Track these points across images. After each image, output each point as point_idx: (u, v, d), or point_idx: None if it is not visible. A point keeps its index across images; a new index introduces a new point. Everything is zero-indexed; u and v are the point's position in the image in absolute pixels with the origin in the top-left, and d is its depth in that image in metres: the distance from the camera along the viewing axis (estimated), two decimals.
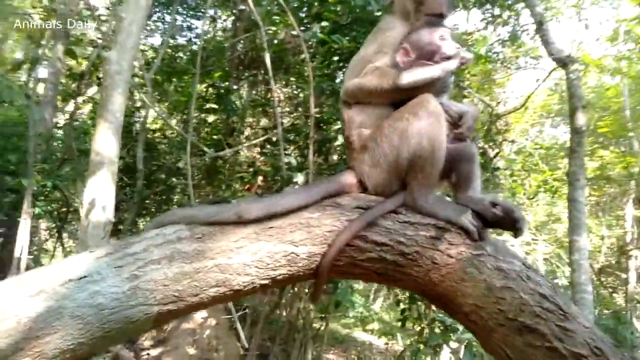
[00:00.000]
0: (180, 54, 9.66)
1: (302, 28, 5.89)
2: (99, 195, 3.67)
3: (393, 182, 1.80)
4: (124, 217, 8.53)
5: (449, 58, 1.84)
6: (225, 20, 10.35)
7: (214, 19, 9.72)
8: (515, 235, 1.73)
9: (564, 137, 14.54)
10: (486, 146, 7.35)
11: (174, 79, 8.76)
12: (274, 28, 6.45)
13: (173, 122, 8.93)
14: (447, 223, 1.69)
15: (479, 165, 1.89)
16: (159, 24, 10.07)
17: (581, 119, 5.54)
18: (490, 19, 8.62)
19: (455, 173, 1.87)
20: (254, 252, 1.61)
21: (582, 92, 5.97)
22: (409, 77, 1.78)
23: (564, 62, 5.69)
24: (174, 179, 8.70)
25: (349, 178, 1.87)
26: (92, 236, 3.63)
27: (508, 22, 8.73)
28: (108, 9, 7.96)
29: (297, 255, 1.65)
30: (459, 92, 7.29)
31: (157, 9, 9.72)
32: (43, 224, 9.37)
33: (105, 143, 3.77)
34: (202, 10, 9.63)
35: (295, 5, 6.27)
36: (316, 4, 5.94)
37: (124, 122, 8.80)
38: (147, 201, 8.98)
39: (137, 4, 4.06)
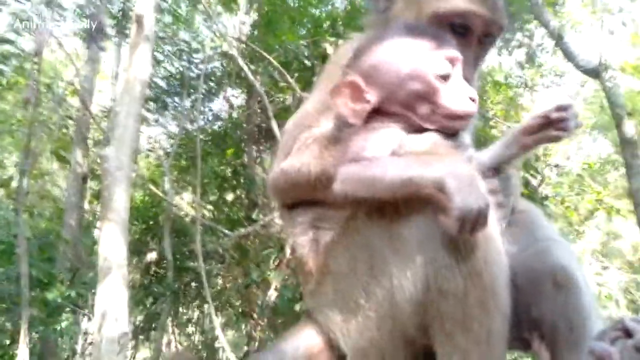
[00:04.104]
0: (201, 136, 9.74)
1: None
2: (110, 305, 3.34)
3: (401, 349, 0.88)
4: (161, 309, 8.22)
5: (454, 116, 0.93)
6: (237, 97, 10.45)
7: (228, 99, 9.81)
8: None
9: (605, 151, 13.75)
10: (528, 175, 6.78)
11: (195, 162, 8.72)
12: (281, 95, 6.30)
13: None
14: None
15: (583, 291, 0.94)
16: (174, 112, 10.21)
17: (630, 128, 4.98)
18: (503, 43, 8.30)
19: (531, 320, 0.94)
20: None
21: (624, 99, 5.45)
22: (345, 179, 0.91)
23: (596, 72, 5.22)
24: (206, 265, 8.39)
25: (308, 339, 1.01)
26: (107, 352, 3.27)
27: (523, 43, 8.37)
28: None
29: None
30: (485, 123, 6.85)
31: (171, 99, 9.89)
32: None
33: (112, 246, 3.48)
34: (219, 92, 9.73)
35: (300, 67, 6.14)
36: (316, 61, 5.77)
37: (150, 211, 8.82)
38: (183, 291, 8.68)
39: (131, 98, 3.92)
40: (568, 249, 1.06)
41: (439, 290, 0.82)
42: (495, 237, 0.85)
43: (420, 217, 0.85)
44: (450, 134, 0.97)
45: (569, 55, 5.52)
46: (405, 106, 0.95)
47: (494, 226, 0.86)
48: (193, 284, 8.63)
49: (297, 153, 1.07)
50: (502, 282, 0.84)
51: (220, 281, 8.86)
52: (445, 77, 0.95)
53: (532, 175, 6.87)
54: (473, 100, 0.96)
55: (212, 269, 8.28)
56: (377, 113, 0.97)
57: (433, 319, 0.83)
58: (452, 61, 0.96)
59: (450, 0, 1.11)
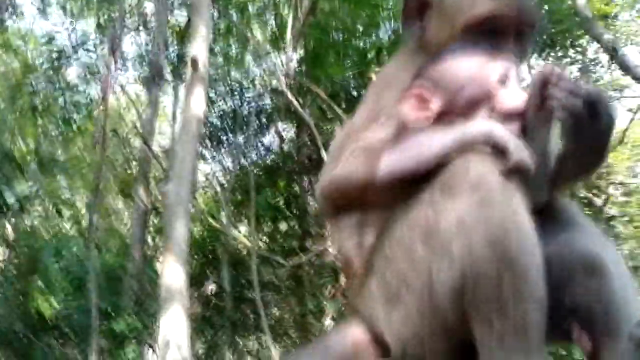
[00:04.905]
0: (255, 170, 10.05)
1: None
2: (172, 333, 3.48)
3: (440, 337, 0.91)
4: (221, 340, 8.36)
5: (511, 114, 0.97)
6: (288, 131, 10.74)
7: (279, 133, 10.11)
8: None
9: None
10: (590, 195, 6.46)
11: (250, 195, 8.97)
12: (330, 126, 6.44)
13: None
14: None
15: (618, 276, 0.95)
16: (228, 148, 10.62)
17: None
18: (555, 61, 8.08)
19: (568, 309, 0.94)
20: None
21: None
22: (390, 160, 0.96)
23: None
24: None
25: (354, 334, 1.04)
26: None
27: (575, 60, 8.12)
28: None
29: None
30: None
31: (225, 135, 10.31)
32: None
33: (173, 276, 3.65)
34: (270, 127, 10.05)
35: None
36: (363, 91, 5.88)
37: (209, 244, 9.11)
38: (241, 321, 8.81)
39: (188, 137, 4.17)
40: (599, 236, 1.06)
41: (474, 277, 0.85)
42: (527, 226, 0.87)
43: (454, 209, 0.89)
44: None
45: (626, 68, 5.31)
46: (465, 111, 1.00)
47: (527, 215, 0.88)
48: (251, 315, 8.75)
49: (346, 162, 1.09)
50: (536, 270, 0.85)
51: (277, 311, 8.93)
52: (501, 82, 1.01)
53: (594, 194, 6.54)
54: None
55: (269, 300, 8.38)
56: (438, 122, 1.03)
57: (470, 305, 0.86)
58: (507, 69, 1.02)
59: (476, 7, 1.15)
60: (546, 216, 1.01)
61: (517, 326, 0.84)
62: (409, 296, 0.93)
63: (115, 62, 5.40)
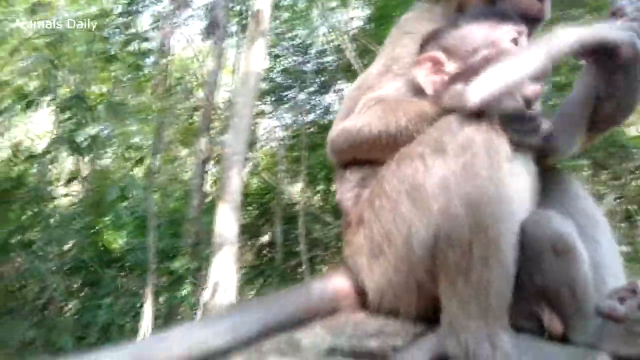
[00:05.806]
0: (312, 129, 10.08)
1: None
2: (221, 277, 3.68)
3: (413, 292, 0.96)
4: (269, 290, 8.73)
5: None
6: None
7: (339, 93, 10.02)
8: None
9: None
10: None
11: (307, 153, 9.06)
12: None
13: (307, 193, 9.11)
14: None
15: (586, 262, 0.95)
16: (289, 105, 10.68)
17: None
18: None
19: (537, 290, 0.95)
20: None
21: None
22: (482, 90, 0.89)
23: None
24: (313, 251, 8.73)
25: (337, 282, 1.09)
26: None
27: None
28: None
29: None
30: None
31: (286, 92, 10.35)
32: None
33: (225, 224, 3.82)
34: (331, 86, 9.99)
35: None
36: None
37: (264, 197, 9.38)
38: (290, 274, 9.11)
39: (247, 89, 4.24)
40: (583, 213, 1.07)
41: (447, 239, 0.89)
42: (508, 198, 0.89)
43: (440, 167, 0.92)
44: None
45: None
46: (480, 72, 0.98)
47: (510, 185, 0.90)
48: (299, 269, 9.02)
49: (359, 113, 1.12)
50: (508, 242, 0.89)
51: (324, 268, 9.15)
52: (514, 43, 1.05)
53: None
54: None
55: (318, 256, 8.58)
56: (450, 85, 1.06)
57: (440, 265, 0.91)
58: (519, 33, 1.06)
59: None
60: (549, 189, 1.06)
61: (479, 292, 0.87)
62: (390, 249, 0.98)
63: (178, 10, 5.49)
